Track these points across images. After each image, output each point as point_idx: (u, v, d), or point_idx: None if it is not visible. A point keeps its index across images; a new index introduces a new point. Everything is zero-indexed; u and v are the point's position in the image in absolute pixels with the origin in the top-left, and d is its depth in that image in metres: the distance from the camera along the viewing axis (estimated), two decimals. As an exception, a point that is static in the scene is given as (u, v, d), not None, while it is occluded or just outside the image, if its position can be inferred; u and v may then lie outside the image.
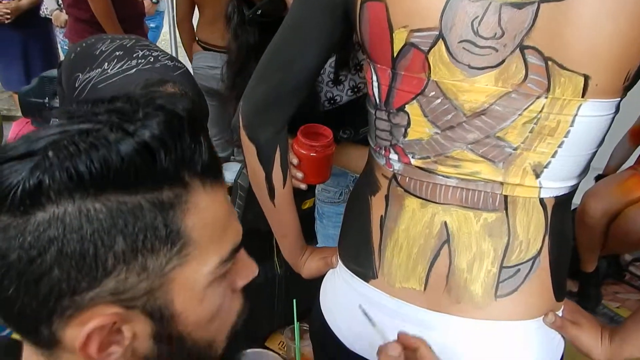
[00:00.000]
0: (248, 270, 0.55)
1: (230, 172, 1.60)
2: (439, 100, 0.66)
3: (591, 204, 2.22)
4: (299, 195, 0.97)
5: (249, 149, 0.80)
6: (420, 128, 0.69)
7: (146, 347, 0.48)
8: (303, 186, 0.98)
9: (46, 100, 2.87)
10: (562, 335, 0.77)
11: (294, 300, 1.46)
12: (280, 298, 1.63)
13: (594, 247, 2.29)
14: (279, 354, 1.80)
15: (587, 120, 0.63)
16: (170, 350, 0.49)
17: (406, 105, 0.69)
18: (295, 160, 0.95)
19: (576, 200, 2.32)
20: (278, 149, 0.80)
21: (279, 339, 1.80)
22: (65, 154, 0.42)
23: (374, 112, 0.75)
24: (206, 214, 0.47)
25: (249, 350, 0.80)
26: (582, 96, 0.61)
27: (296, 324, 1.60)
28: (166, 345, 0.49)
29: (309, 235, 1.22)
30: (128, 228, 0.43)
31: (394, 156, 0.73)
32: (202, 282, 0.48)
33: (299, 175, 0.97)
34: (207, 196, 0.48)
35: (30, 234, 0.41)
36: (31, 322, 0.45)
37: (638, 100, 0.85)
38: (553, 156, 0.65)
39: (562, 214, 0.71)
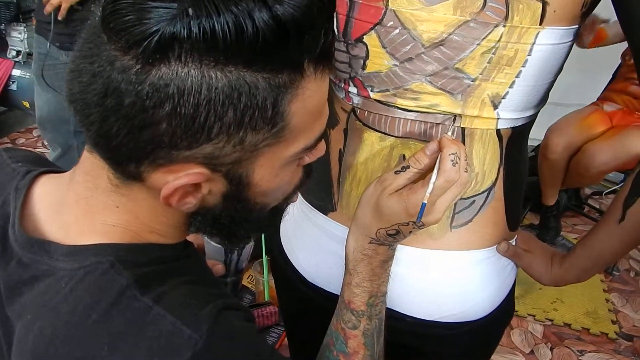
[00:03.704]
0: (318, 150, 0.56)
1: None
2: (397, 31, 0.65)
3: (553, 139, 2.26)
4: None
5: None
6: (378, 60, 0.68)
7: (214, 201, 0.52)
8: None
9: (2, 26, 2.72)
10: (515, 264, 0.80)
11: (262, 235, 1.47)
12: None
13: (555, 181, 2.35)
14: (248, 288, 1.84)
15: (545, 49, 0.63)
16: (233, 206, 0.53)
17: (364, 36, 0.67)
18: None
19: (539, 136, 2.37)
20: None
21: (248, 273, 1.83)
22: (205, 12, 0.41)
23: (332, 43, 0.73)
24: (309, 102, 0.48)
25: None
26: (540, 24, 0.61)
27: (265, 258, 1.63)
28: (231, 203, 0.53)
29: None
30: (241, 103, 0.43)
31: (353, 89, 0.72)
32: (283, 161, 0.51)
33: None
34: (316, 83, 0.48)
35: (150, 86, 0.42)
36: (123, 157, 0.47)
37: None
38: (511, 86, 0.65)
39: (517, 145, 0.72)
